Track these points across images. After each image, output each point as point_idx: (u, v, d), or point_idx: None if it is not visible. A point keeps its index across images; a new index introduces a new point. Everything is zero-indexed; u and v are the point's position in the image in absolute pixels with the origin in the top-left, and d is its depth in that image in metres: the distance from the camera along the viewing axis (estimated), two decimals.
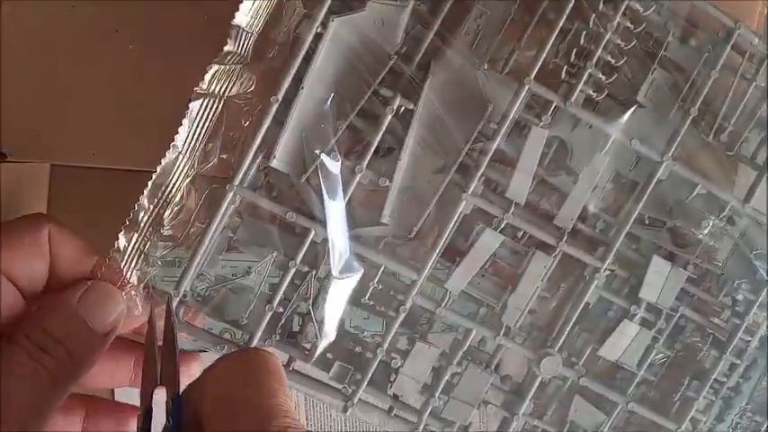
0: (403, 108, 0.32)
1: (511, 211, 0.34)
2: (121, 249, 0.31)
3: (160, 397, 0.25)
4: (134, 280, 0.31)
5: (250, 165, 0.31)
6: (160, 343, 0.28)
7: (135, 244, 0.31)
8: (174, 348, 0.26)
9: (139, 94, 0.36)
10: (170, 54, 0.35)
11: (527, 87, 0.33)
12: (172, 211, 0.31)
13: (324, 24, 0.30)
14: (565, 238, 0.35)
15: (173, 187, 0.32)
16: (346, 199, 0.33)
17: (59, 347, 0.28)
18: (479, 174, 0.33)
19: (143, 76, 0.36)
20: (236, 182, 0.31)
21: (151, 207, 0.32)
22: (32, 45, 0.36)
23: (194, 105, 0.30)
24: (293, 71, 0.30)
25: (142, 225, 0.32)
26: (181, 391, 0.25)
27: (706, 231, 0.36)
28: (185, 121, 0.31)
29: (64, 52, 0.37)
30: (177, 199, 0.32)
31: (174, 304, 0.32)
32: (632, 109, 0.34)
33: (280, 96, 0.31)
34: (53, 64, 0.37)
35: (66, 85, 0.37)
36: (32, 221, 0.30)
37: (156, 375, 0.26)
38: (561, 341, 0.36)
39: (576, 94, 0.33)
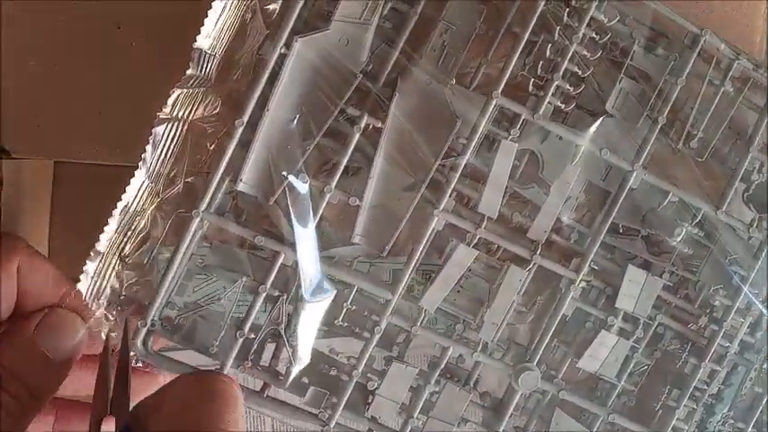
0: (371, 126, 0.32)
1: (483, 226, 0.34)
2: (88, 276, 0.30)
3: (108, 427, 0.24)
4: (99, 309, 0.30)
5: (216, 189, 0.31)
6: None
7: (100, 272, 0.31)
8: (127, 375, 0.25)
9: (142, 90, 0.36)
10: (172, 50, 0.35)
11: (495, 101, 0.32)
12: (136, 238, 0.31)
13: (287, 45, 0.30)
14: (539, 250, 0.35)
15: (138, 214, 0.31)
16: (316, 220, 0.32)
17: (17, 383, 0.27)
18: (450, 189, 0.33)
19: (146, 73, 0.36)
20: (203, 207, 0.31)
21: (116, 235, 0.31)
22: (35, 41, 0.36)
23: (158, 130, 0.30)
24: (257, 93, 0.30)
25: (107, 253, 0.31)
26: (133, 409, 0.24)
27: (679, 239, 0.36)
28: (149, 147, 0.30)
29: (66, 49, 0.36)
30: (142, 225, 0.31)
31: (142, 335, 0.31)
32: (600, 119, 0.34)
33: (245, 119, 0.30)
34: (56, 60, 0.36)
35: (68, 82, 0.36)
36: (3, 251, 0.29)
37: (106, 403, 0.25)
38: (539, 355, 0.36)
39: (543, 106, 0.33)
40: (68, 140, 0.37)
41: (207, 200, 0.31)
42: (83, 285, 0.30)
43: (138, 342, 0.31)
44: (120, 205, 0.31)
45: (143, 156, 0.30)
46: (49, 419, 0.32)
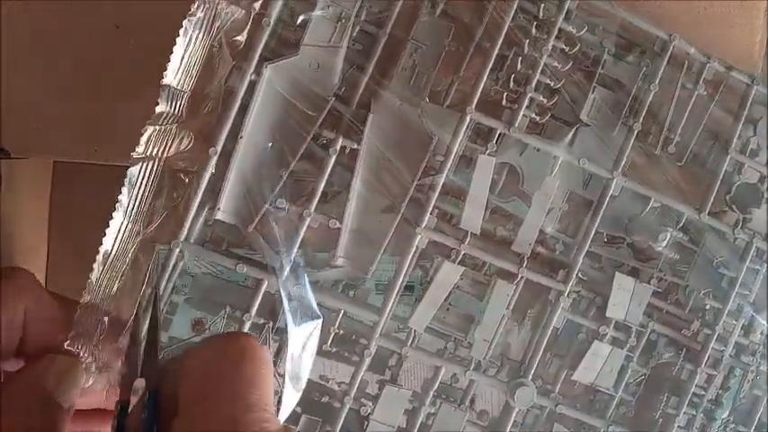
0: (348, 149, 0.31)
1: (467, 242, 0.33)
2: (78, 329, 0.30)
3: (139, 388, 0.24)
4: (90, 358, 0.30)
5: (194, 219, 0.30)
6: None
7: (89, 323, 0.30)
8: (156, 343, 0.25)
9: (141, 90, 0.35)
10: (171, 50, 0.35)
11: (469, 117, 0.32)
12: (121, 279, 0.30)
13: (257, 72, 0.30)
14: (525, 263, 0.34)
15: (120, 256, 0.30)
16: (297, 244, 0.31)
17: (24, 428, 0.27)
18: (431, 207, 0.32)
19: (145, 73, 0.35)
20: (182, 238, 0.30)
21: (100, 281, 0.30)
22: (34, 42, 0.36)
23: (133, 171, 0.29)
24: (229, 122, 0.30)
25: (94, 298, 0.30)
26: (161, 370, 0.24)
27: (664, 244, 0.35)
28: (125, 189, 0.29)
29: (66, 49, 0.36)
30: (125, 267, 0.30)
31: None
32: (575, 129, 0.33)
33: (218, 148, 0.30)
34: (55, 60, 0.36)
35: (67, 82, 0.36)
36: (10, 293, 0.28)
37: (136, 368, 0.25)
38: (534, 369, 0.35)
39: (518, 119, 0.33)
40: (67, 140, 0.36)
41: (185, 231, 0.30)
42: (72, 337, 0.29)
43: None
44: (102, 250, 0.30)
45: (119, 197, 0.29)
46: None
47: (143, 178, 0.30)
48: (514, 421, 0.35)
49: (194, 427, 0.21)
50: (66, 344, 0.29)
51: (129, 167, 0.29)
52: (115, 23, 0.36)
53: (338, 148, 0.31)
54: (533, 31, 0.32)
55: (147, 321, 0.27)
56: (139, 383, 0.23)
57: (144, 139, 0.29)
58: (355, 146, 0.31)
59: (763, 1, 0.37)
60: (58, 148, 0.36)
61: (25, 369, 0.29)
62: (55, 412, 0.28)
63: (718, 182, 0.35)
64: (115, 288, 0.30)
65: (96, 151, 0.36)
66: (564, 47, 0.32)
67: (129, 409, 0.23)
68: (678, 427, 0.36)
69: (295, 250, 0.31)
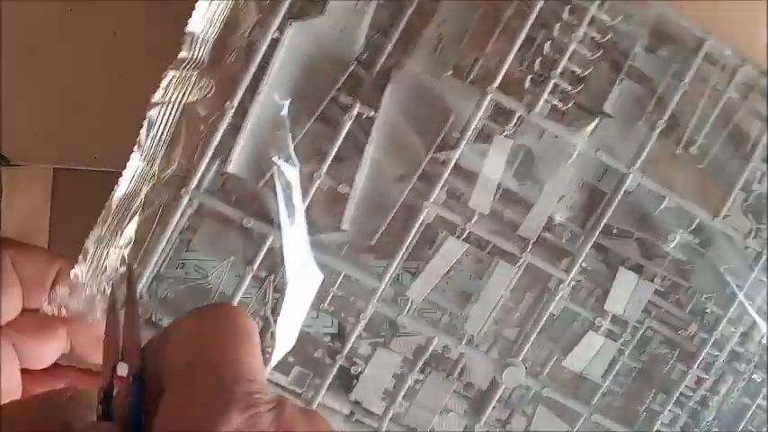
0: (364, 115, 0.31)
1: (474, 220, 0.33)
2: (86, 258, 0.31)
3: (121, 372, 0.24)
4: (94, 286, 0.31)
5: (206, 169, 0.31)
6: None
7: (96, 251, 0.31)
8: (136, 322, 0.24)
9: (142, 97, 0.36)
10: (170, 56, 0.35)
11: (490, 96, 0.31)
12: (132, 219, 0.31)
13: (281, 29, 0.30)
14: (529, 248, 0.34)
15: (133, 195, 0.31)
16: (305, 205, 0.32)
17: None
18: (442, 182, 0.32)
19: (144, 79, 0.36)
20: (192, 185, 0.31)
21: (112, 218, 0.31)
22: (33, 49, 0.36)
23: (152, 114, 0.30)
24: (249, 77, 0.30)
25: (103, 235, 0.31)
26: (143, 350, 0.23)
27: (673, 245, 0.35)
28: (143, 131, 0.30)
29: (65, 56, 0.36)
30: (136, 206, 0.31)
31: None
32: (598, 119, 0.33)
33: (235, 103, 0.30)
34: (54, 67, 0.36)
35: (67, 88, 0.36)
36: None
37: (117, 351, 0.24)
38: (525, 351, 0.35)
39: (540, 104, 0.32)
40: (67, 147, 0.37)
41: (196, 179, 0.31)
42: (79, 268, 0.30)
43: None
44: (117, 190, 0.31)
45: (138, 139, 0.30)
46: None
47: (161, 123, 0.30)
48: (499, 398, 0.36)
49: (181, 400, 0.20)
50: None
51: (148, 114, 0.30)
52: (113, 29, 0.36)
53: (354, 113, 0.31)
54: (565, 14, 0.31)
55: (124, 305, 0.26)
56: (122, 368, 0.22)
57: (164, 83, 0.30)
58: (372, 113, 0.31)
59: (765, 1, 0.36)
60: (59, 155, 0.37)
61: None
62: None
63: (737, 188, 0.34)
64: (126, 226, 0.31)
65: (96, 158, 0.36)
66: (595, 34, 0.32)
67: (114, 394, 0.23)
68: (661, 423, 0.37)
69: (302, 210, 0.32)
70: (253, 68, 0.29)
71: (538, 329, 0.35)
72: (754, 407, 0.37)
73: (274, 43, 0.30)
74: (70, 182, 0.37)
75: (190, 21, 0.28)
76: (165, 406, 0.20)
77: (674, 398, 0.36)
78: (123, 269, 0.31)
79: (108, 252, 0.31)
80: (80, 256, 0.30)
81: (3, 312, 0.28)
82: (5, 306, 0.28)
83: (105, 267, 0.31)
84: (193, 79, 0.30)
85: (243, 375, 0.20)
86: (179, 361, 0.21)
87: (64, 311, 0.30)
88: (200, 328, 0.22)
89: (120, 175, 0.30)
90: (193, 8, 0.29)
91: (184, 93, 0.30)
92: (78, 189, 0.37)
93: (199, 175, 0.30)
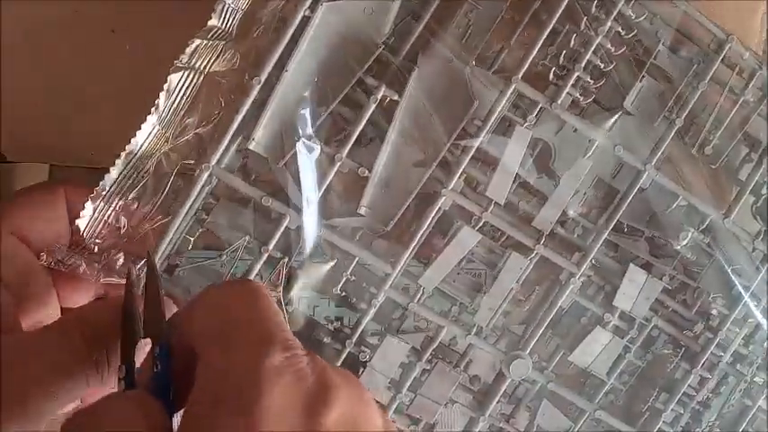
0: (388, 99, 0.31)
1: (490, 210, 0.33)
2: (87, 215, 0.30)
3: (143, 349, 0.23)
4: (96, 248, 0.30)
5: (228, 144, 0.30)
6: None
7: (101, 211, 0.30)
8: (159, 299, 0.24)
9: (138, 94, 0.35)
10: (168, 54, 0.34)
11: (513, 86, 0.31)
12: (142, 180, 0.30)
13: (312, 8, 0.29)
14: (543, 240, 0.34)
15: (145, 157, 0.30)
16: (324, 187, 0.31)
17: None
18: (461, 170, 0.32)
19: (142, 77, 0.35)
20: (214, 161, 0.30)
21: (121, 177, 0.30)
22: (30, 47, 0.35)
23: (173, 78, 0.29)
24: (278, 53, 0.29)
25: (110, 193, 0.30)
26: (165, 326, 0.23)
27: (684, 243, 0.35)
28: (163, 94, 0.29)
29: (62, 52, 0.36)
30: (147, 167, 0.30)
31: (142, 283, 0.30)
32: (617, 115, 0.33)
33: (263, 78, 0.29)
34: (51, 65, 0.36)
35: (64, 86, 0.36)
36: (47, 188, 0.29)
37: (137, 331, 0.24)
38: (532, 344, 0.35)
39: (562, 96, 0.32)
40: (64, 144, 0.36)
41: (218, 155, 0.30)
42: (82, 222, 0.29)
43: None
44: (128, 148, 0.30)
45: (156, 102, 0.29)
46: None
47: (182, 87, 0.30)
48: (504, 391, 0.36)
49: (219, 356, 0.19)
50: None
51: (169, 78, 0.29)
52: (111, 28, 0.35)
53: (379, 97, 0.31)
54: (593, 8, 0.31)
55: (144, 283, 0.25)
56: (144, 343, 0.22)
57: (190, 50, 0.29)
58: (396, 97, 0.31)
59: (761, 0, 0.36)
60: (55, 152, 0.36)
61: None
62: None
63: (748, 190, 0.34)
64: (134, 186, 0.30)
65: (92, 155, 0.36)
66: (620, 30, 0.32)
67: (137, 368, 0.23)
68: (663, 422, 0.37)
69: (320, 192, 0.31)
70: (283, 44, 0.29)
71: (546, 323, 0.35)
72: (755, 409, 0.37)
73: (304, 21, 0.29)
74: (66, 179, 0.37)
75: None
76: (202, 367, 0.20)
77: (677, 397, 0.37)
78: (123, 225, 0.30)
79: (112, 213, 0.30)
80: (88, 202, 0.29)
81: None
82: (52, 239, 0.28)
83: (106, 227, 0.30)
84: (219, 49, 0.29)
85: (279, 327, 0.20)
86: (211, 325, 0.21)
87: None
88: (231, 294, 0.22)
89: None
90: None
91: (209, 61, 0.29)
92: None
93: (221, 150, 0.30)
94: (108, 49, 0.36)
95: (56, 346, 0.24)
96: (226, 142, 0.30)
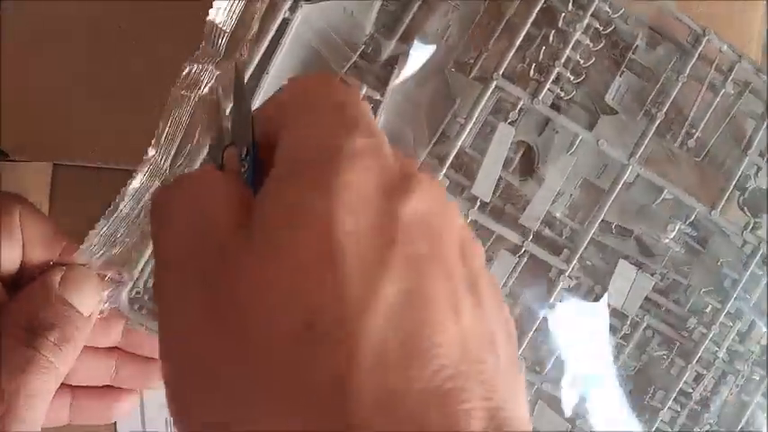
0: (371, 101, 0.31)
1: (476, 207, 0.32)
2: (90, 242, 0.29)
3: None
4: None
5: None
6: None
7: (100, 240, 0.29)
8: (247, 106, 0.20)
9: (142, 93, 0.34)
10: (174, 52, 0.34)
11: (495, 83, 0.31)
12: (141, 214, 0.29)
13: (292, 9, 0.29)
14: (530, 237, 0.33)
15: (145, 191, 0.30)
16: None
17: (54, 331, 0.26)
18: (444, 169, 0.31)
19: (146, 75, 0.34)
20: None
21: (121, 210, 0.30)
22: (33, 43, 0.35)
23: (169, 107, 0.29)
24: (258, 56, 0.29)
25: (111, 227, 0.30)
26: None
27: (672, 236, 0.34)
28: (160, 124, 0.29)
29: (66, 50, 0.35)
30: (144, 205, 0.29)
31: (127, 291, 0.29)
32: (598, 112, 0.32)
33: (245, 80, 0.29)
34: (55, 62, 0.35)
35: (67, 84, 0.35)
36: (3, 204, 0.27)
37: (222, 141, 0.21)
38: (524, 345, 0.34)
39: (543, 92, 0.31)
40: (67, 143, 0.35)
41: (200, 161, 0.29)
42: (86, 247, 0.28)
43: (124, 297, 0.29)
44: (133, 183, 0.29)
45: (156, 132, 0.29)
46: (66, 400, 0.30)
47: (177, 116, 0.29)
48: None
49: (301, 130, 0.17)
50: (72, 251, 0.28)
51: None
52: (118, 24, 0.35)
53: (361, 96, 0.30)
54: (570, 5, 0.31)
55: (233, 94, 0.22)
56: (231, 150, 0.19)
57: (183, 74, 0.29)
58: (378, 96, 0.30)
59: (760, 1, 0.36)
60: (58, 150, 0.35)
61: (41, 281, 0.27)
62: (79, 320, 0.27)
63: (734, 182, 0.33)
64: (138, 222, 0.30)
65: (95, 154, 0.35)
66: (598, 26, 0.31)
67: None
68: (661, 421, 0.35)
69: None
70: (263, 47, 0.28)
71: (537, 322, 0.34)
72: (753, 405, 0.35)
73: (284, 24, 0.29)
74: (70, 178, 0.36)
75: (210, 11, 0.27)
76: (280, 147, 0.17)
77: (674, 395, 0.35)
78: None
79: (115, 245, 0.29)
80: (83, 245, 0.29)
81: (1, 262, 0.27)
82: (3, 256, 0.27)
83: (112, 259, 0.29)
84: (210, 71, 0.29)
85: (364, 114, 0.18)
86: (292, 107, 0.18)
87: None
88: (314, 80, 0.20)
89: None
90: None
91: (201, 86, 0.29)
92: (78, 186, 0.36)
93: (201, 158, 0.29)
94: (114, 45, 0.35)
95: None
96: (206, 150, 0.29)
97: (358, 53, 0.29)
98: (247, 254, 0.16)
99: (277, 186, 0.17)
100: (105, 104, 0.35)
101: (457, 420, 0.15)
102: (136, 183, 0.29)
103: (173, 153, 0.30)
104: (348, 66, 0.30)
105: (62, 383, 0.28)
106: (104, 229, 0.29)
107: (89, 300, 0.28)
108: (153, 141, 0.29)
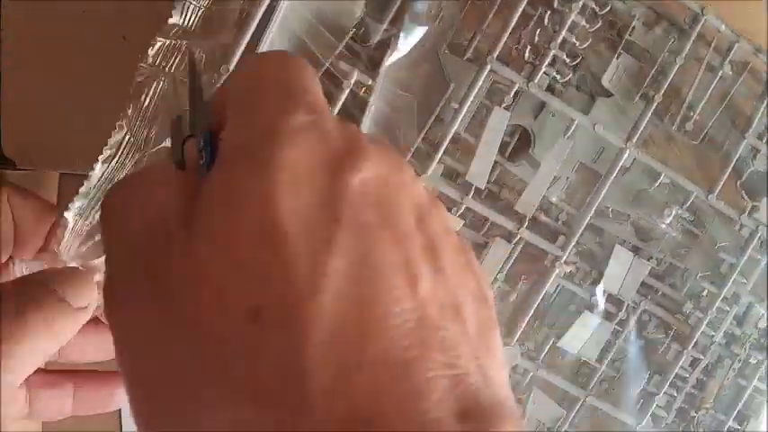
0: (363, 89, 0.30)
1: (470, 195, 0.32)
2: (66, 227, 0.28)
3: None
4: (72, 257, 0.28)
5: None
6: None
7: (77, 224, 0.29)
8: (201, 95, 0.20)
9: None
10: None
11: (489, 66, 0.30)
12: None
13: None
14: (525, 224, 0.32)
15: (119, 169, 0.29)
16: None
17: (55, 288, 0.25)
18: (438, 156, 0.31)
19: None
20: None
21: (100, 182, 0.29)
22: (39, 53, 0.34)
23: (138, 82, 0.28)
24: (245, 41, 0.28)
25: (93, 197, 0.29)
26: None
27: (669, 220, 0.33)
28: (132, 103, 0.28)
29: (72, 61, 0.34)
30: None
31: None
32: (595, 96, 0.32)
33: (231, 66, 0.28)
34: (60, 72, 0.34)
35: (74, 93, 0.34)
36: None
37: (182, 127, 0.20)
38: (520, 332, 0.34)
39: (539, 75, 0.31)
40: (73, 153, 0.35)
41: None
42: (67, 226, 0.28)
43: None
44: (101, 157, 0.29)
45: (126, 110, 0.28)
46: (68, 390, 0.29)
47: (147, 93, 0.28)
48: None
49: (240, 126, 0.17)
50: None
51: (137, 78, 0.28)
52: (122, 35, 0.34)
53: (352, 82, 0.29)
54: None
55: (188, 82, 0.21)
56: (190, 142, 0.19)
57: (152, 51, 0.28)
58: (369, 82, 0.29)
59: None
60: (64, 160, 0.34)
61: (39, 277, 0.26)
62: (67, 311, 0.26)
63: (731, 165, 0.33)
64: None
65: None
66: (594, 6, 0.30)
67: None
68: (657, 406, 0.35)
69: None
70: (251, 31, 0.27)
71: (533, 309, 0.33)
72: (750, 389, 0.35)
73: (270, 11, 0.28)
74: (76, 187, 0.35)
75: None
76: (228, 125, 0.17)
77: (670, 379, 0.35)
78: None
79: (90, 222, 0.29)
80: (59, 230, 0.28)
81: None
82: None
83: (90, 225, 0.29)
84: (183, 48, 0.28)
85: (308, 89, 0.17)
86: (240, 89, 0.18)
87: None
88: (263, 58, 0.20)
89: None
90: None
91: (173, 63, 0.28)
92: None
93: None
94: (119, 56, 0.34)
95: None
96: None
97: (347, 38, 0.28)
98: (189, 243, 0.15)
99: (219, 173, 0.16)
100: (111, 115, 0.34)
101: (418, 389, 0.14)
102: (102, 163, 0.28)
103: (145, 129, 0.29)
104: (338, 50, 0.29)
105: (63, 372, 0.28)
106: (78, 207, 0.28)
107: (84, 300, 0.27)
108: (121, 115, 0.28)
